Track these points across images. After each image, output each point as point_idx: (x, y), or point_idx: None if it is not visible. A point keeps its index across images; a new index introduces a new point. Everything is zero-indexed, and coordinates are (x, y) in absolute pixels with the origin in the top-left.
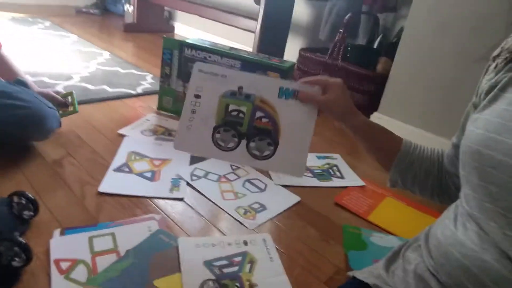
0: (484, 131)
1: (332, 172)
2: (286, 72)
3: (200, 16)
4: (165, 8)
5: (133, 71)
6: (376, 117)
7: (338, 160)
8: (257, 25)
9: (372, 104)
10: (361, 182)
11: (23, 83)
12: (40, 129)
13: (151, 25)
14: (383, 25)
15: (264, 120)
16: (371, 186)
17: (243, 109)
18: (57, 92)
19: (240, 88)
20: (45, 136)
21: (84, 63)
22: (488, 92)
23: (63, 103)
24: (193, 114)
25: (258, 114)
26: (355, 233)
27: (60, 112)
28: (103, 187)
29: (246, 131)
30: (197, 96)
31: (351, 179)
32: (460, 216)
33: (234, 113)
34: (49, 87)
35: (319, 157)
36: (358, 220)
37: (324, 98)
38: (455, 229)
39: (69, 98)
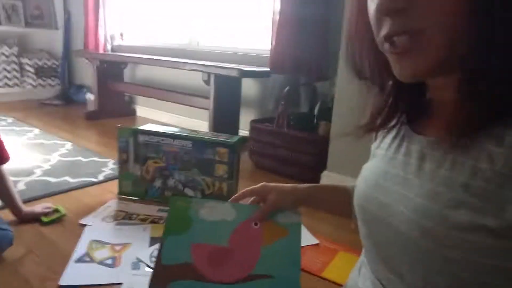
0: (364, 186)
1: None
2: (233, 146)
3: (158, 99)
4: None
5: (95, 158)
6: (326, 175)
7: None
8: (210, 103)
9: (320, 164)
10: (315, 240)
11: None
12: None
13: (113, 110)
14: (321, 93)
15: None
16: (325, 242)
17: None
18: (47, 207)
19: None
20: None
21: (46, 156)
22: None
23: (46, 213)
24: None
25: None
26: None
27: (45, 219)
28: (64, 280)
29: None
30: None
31: (305, 238)
32: (362, 264)
33: None
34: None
35: None
36: (312, 278)
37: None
38: (358, 277)
39: (58, 208)
